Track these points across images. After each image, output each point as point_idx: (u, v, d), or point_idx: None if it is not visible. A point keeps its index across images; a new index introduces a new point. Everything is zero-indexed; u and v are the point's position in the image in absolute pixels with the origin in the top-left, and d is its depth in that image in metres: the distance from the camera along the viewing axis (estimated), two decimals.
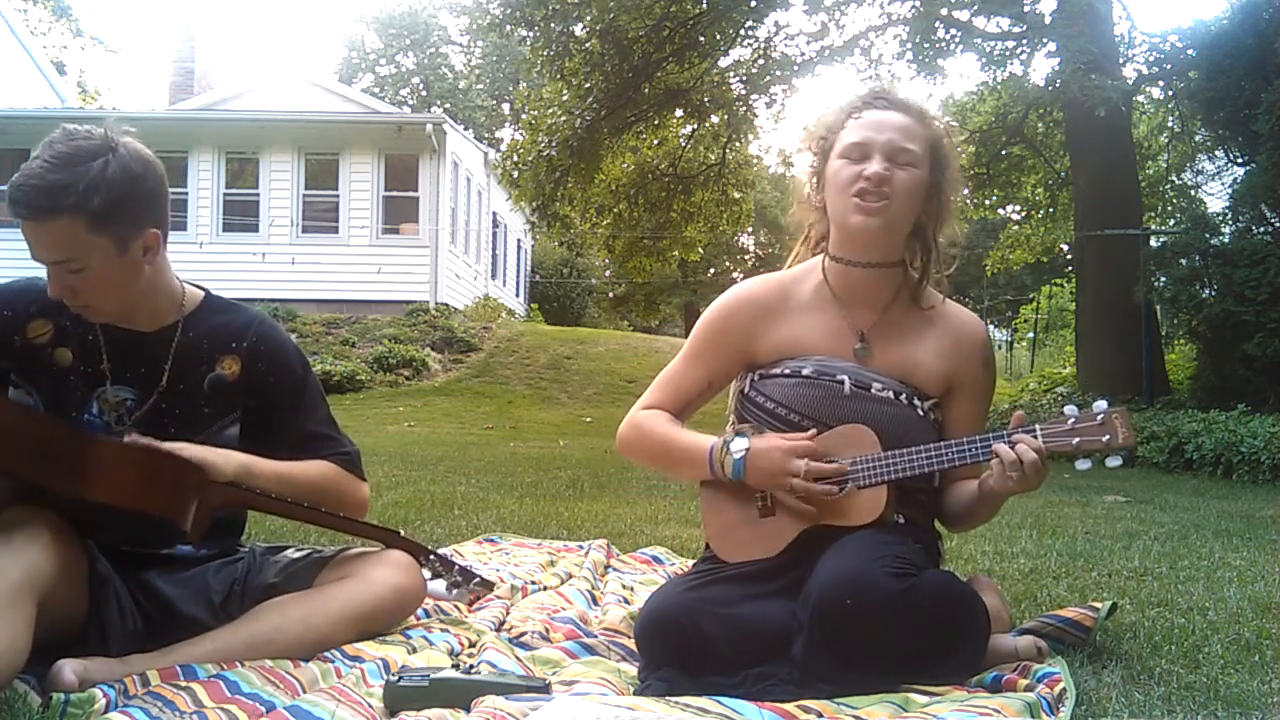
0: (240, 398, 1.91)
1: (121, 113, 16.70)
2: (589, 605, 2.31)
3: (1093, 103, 8.04)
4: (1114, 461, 1.72)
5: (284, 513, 1.93)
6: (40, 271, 1.79)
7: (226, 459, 1.77)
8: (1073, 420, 1.72)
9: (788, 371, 1.86)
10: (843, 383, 1.82)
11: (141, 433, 1.76)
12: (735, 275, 29.60)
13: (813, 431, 1.78)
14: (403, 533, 2.12)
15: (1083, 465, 1.73)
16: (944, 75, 10.66)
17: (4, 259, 13.69)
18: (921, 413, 1.84)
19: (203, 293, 1.95)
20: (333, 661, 1.76)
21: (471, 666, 1.77)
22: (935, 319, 1.91)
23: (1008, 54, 10.55)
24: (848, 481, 1.75)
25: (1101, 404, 1.74)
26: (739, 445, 1.79)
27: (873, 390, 1.82)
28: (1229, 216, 8.20)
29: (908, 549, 1.70)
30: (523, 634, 2.00)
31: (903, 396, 1.83)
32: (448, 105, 32.10)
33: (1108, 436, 1.71)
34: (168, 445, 1.71)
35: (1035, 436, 1.71)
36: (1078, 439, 1.71)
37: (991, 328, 26.65)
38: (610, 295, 30.31)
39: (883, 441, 1.76)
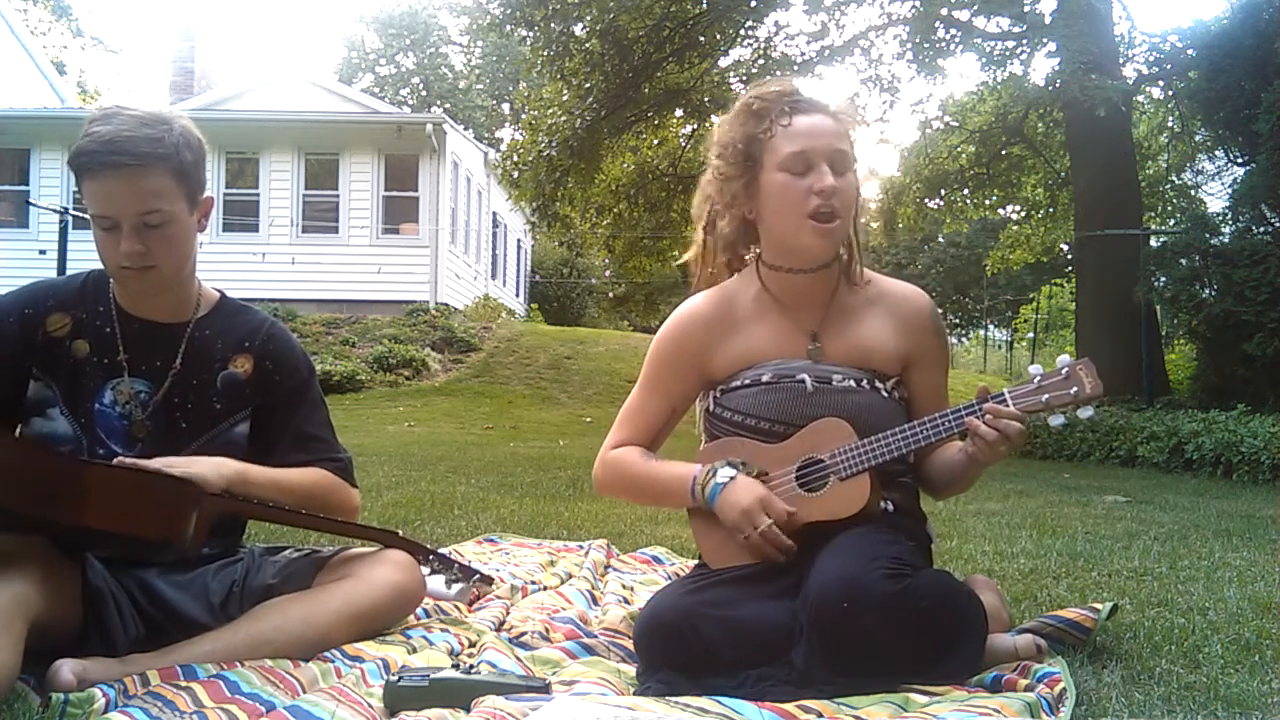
0: (251, 396, 1.95)
1: None
2: (589, 605, 2.31)
3: (1093, 103, 8.05)
4: (1085, 412, 1.74)
5: (280, 520, 1.95)
6: (42, 271, 1.79)
7: (218, 470, 1.78)
8: (1038, 378, 1.74)
9: (748, 381, 1.87)
10: (804, 381, 1.83)
11: (155, 425, 1.79)
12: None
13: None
14: (401, 533, 2.13)
15: (1056, 421, 1.74)
16: (944, 75, 10.69)
17: (4, 259, 13.72)
18: (886, 394, 1.86)
19: (219, 294, 2.01)
20: (333, 661, 1.76)
21: (471, 666, 1.77)
22: (878, 298, 1.92)
23: (1008, 54, 10.57)
24: (830, 475, 1.76)
25: (1064, 358, 1.76)
26: (724, 474, 1.80)
27: (834, 382, 1.83)
28: (1229, 216, 8.21)
29: (902, 549, 1.71)
30: (523, 634, 2.00)
31: (864, 382, 1.84)
32: (448, 105, 32.10)
33: (1075, 388, 1.72)
34: (156, 463, 1.72)
35: (1006, 403, 1.73)
36: (1046, 395, 1.72)
37: (991, 328, 26.67)
38: (610, 295, 30.30)
39: (856, 430, 1.77)
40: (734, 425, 1.87)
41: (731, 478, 1.79)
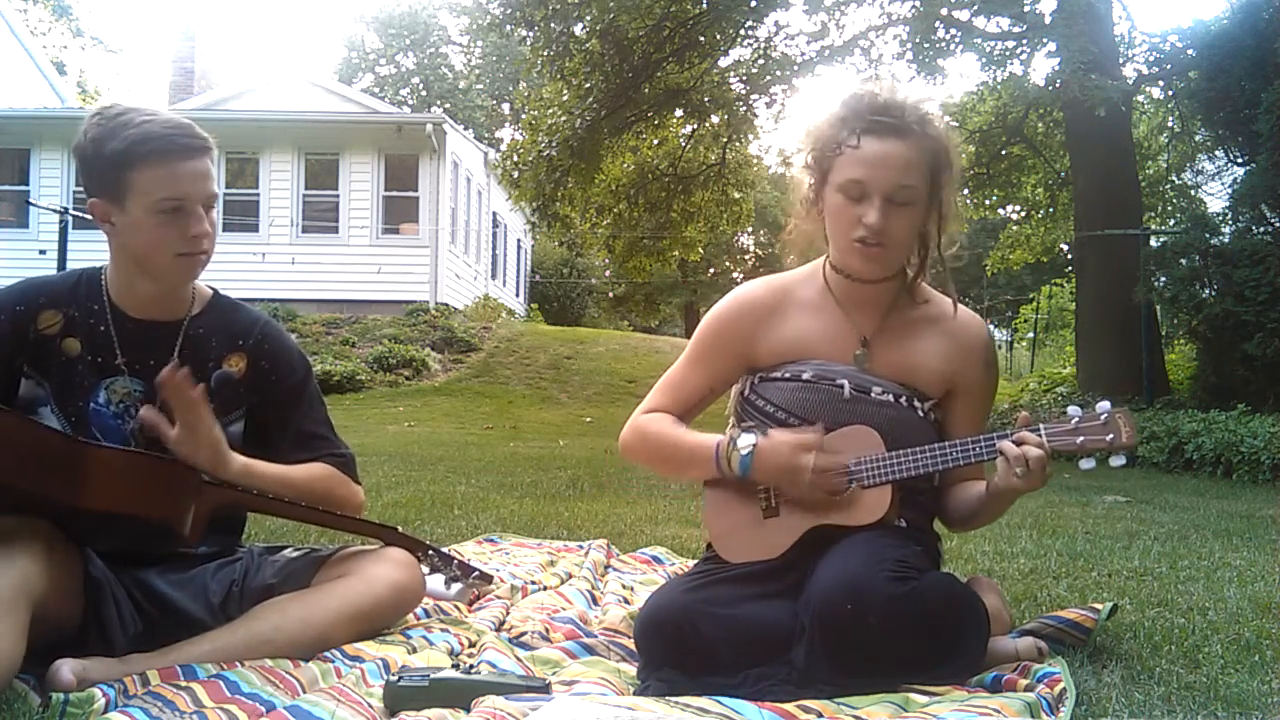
0: (246, 395, 1.94)
1: None
2: (589, 605, 2.31)
3: (1093, 103, 8.04)
4: (1117, 461, 1.73)
5: (281, 513, 1.94)
6: (41, 271, 1.80)
7: (229, 460, 1.79)
8: (1076, 420, 1.73)
9: (788, 375, 1.86)
10: (842, 387, 1.82)
11: (149, 418, 1.78)
12: (735, 275, 29.63)
13: (820, 426, 1.78)
14: (400, 530, 2.13)
15: (1087, 465, 1.74)
16: (944, 75, 10.67)
17: (4, 259, 13.72)
18: (922, 414, 1.84)
19: (211, 291, 2.00)
20: (333, 661, 1.76)
21: (471, 666, 1.77)
22: (937, 319, 1.91)
23: (1008, 54, 10.56)
24: (851, 480, 1.76)
25: (1105, 404, 1.74)
26: (746, 441, 1.78)
27: (872, 394, 1.82)
28: (1229, 216, 8.20)
29: (908, 552, 1.70)
30: (523, 634, 2.00)
31: (903, 399, 1.83)
32: (448, 105, 32.10)
33: (1111, 436, 1.71)
34: (173, 430, 1.72)
35: (1040, 435, 1.72)
36: (1082, 438, 1.72)
37: (991, 327, 26.65)
38: (610, 295, 30.31)
39: (885, 443, 1.76)
40: (765, 415, 1.86)
41: (754, 444, 1.77)
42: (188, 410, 1.72)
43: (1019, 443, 1.70)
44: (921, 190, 1.79)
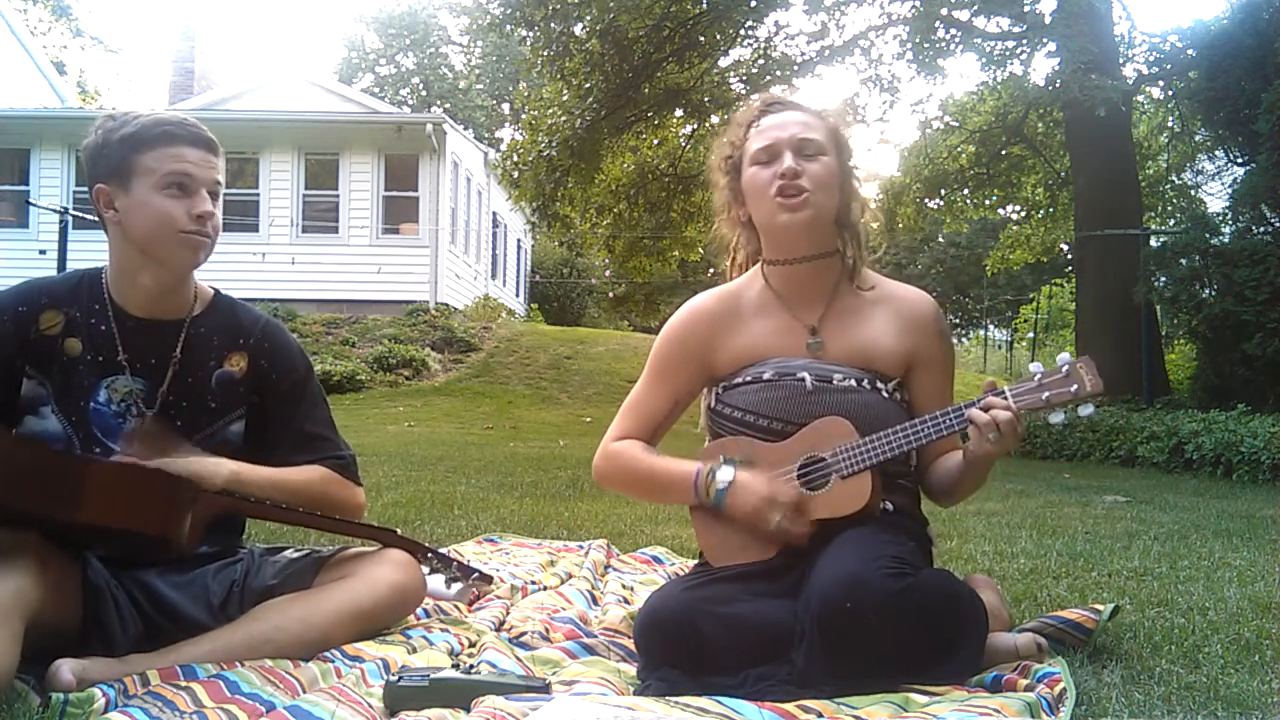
0: (246, 395, 1.95)
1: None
2: (589, 605, 2.31)
3: (1093, 103, 8.04)
4: (1086, 410, 1.74)
5: (278, 518, 1.95)
6: (41, 271, 1.80)
7: (216, 468, 1.79)
8: (1039, 376, 1.74)
9: (749, 378, 1.88)
10: (804, 380, 1.84)
11: (152, 425, 1.79)
12: (735, 275, 29.55)
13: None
14: (400, 532, 2.13)
15: (1056, 419, 1.74)
16: (944, 75, 10.68)
17: (4, 259, 13.72)
18: (886, 395, 1.86)
19: (213, 291, 2.01)
20: (333, 661, 1.76)
21: (471, 666, 1.77)
22: (882, 300, 1.94)
23: (1008, 54, 10.56)
24: (832, 474, 1.76)
25: (1065, 356, 1.76)
26: (724, 476, 1.81)
27: (835, 381, 1.84)
28: (1229, 216, 8.20)
29: (904, 548, 1.71)
30: (523, 634, 2.00)
31: (865, 382, 1.85)
32: (448, 105, 32.10)
33: (1075, 386, 1.72)
34: (156, 461, 1.72)
35: (1005, 398, 1.74)
36: (1046, 393, 1.72)
37: (991, 328, 26.66)
38: (610, 295, 30.29)
39: (856, 429, 1.77)
40: (735, 422, 1.88)
41: (731, 480, 1.79)
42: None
43: (986, 408, 1.72)
44: (829, 148, 1.87)
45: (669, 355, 1.98)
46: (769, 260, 1.94)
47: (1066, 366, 1.74)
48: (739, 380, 1.90)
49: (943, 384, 1.93)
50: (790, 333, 1.90)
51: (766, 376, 1.86)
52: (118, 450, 1.82)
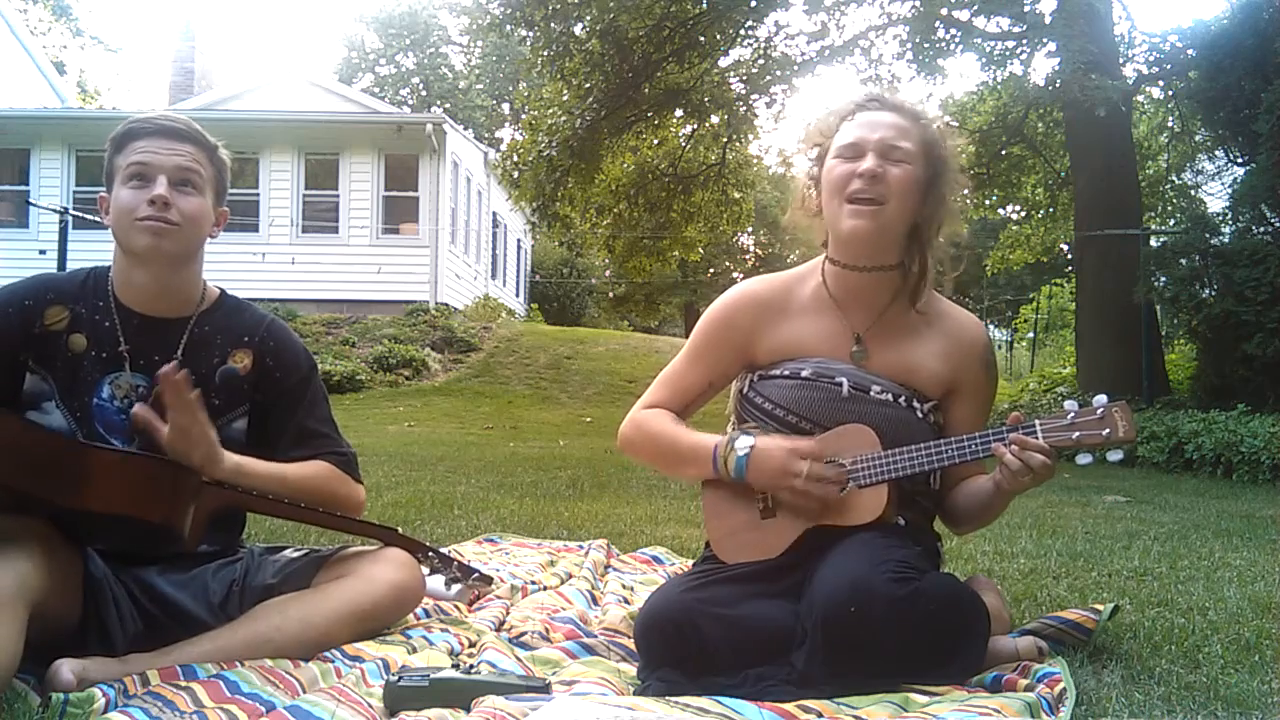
0: (250, 392, 1.95)
1: (121, 113, 16.69)
2: (589, 605, 2.31)
3: (1093, 103, 8.04)
4: (1115, 456, 1.73)
5: (280, 513, 1.95)
6: (41, 271, 1.81)
7: (221, 459, 1.78)
8: (1072, 415, 1.72)
9: (787, 373, 1.86)
10: (841, 385, 1.82)
11: (142, 415, 1.78)
12: (735, 275, 29.59)
13: (818, 434, 1.78)
14: (400, 532, 2.13)
15: (1084, 460, 1.74)
16: (944, 75, 10.68)
17: (4, 259, 13.72)
18: (920, 415, 1.84)
19: (219, 291, 2.02)
20: (333, 661, 1.76)
21: (471, 666, 1.77)
22: (934, 320, 1.91)
23: (1008, 54, 10.56)
24: (849, 481, 1.75)
25: (1101, 399, 1.73)
26: (743, 444, 1.79)
27: (871, 393, 1.82)
28: (1229, 216, 8.20)
29: (909, 553, 1.70)
30: (523, 634, 2.00)
31: (901, 399, 1.83)
32: (448, 105, 32.09)
33: (1108, 430, 1.70)
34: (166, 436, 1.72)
35: (1035, 434, 1.71)
36: (1078, 434, 1.71)
37: (991, 328, 26.65)
38: (610, 295, 30.30)
39: (882, 442, 1.76)
40: (764, 413, 1.86)
41: (751, 446, 1.77)
42: (183, 410, 1.72)
43: (1022, 447, 1.69)
44: (916, 158, 1.81)
45: (712, 335, 1.96)
46: (831, 259, 1.91)
47: (1102, 410, 1.71)
48: (776, 373, 1.88)
49: (979, 412, 1.91)
50: (836, 336, 1.87)
51: (805, 374, 1.84)
52: (119, 447, 1.82)
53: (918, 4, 10.69)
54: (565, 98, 11.64)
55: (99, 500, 1.62)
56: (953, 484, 1.89)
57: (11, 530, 1.60)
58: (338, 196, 16.11)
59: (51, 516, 1.65)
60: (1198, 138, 11.98)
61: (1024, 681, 1.64)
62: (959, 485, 1.89)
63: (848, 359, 1.86)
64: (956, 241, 1.92)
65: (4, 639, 1.48)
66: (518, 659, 1.83)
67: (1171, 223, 12.45)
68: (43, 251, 13.22)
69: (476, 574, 2.21)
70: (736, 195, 14.26)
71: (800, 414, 1.83)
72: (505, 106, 35.22)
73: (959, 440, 1.75)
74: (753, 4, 10.77)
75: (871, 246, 1.83)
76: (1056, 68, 8.92)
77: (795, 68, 11.19)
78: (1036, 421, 1.73)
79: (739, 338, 1.92)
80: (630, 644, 1.88)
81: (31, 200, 13.37)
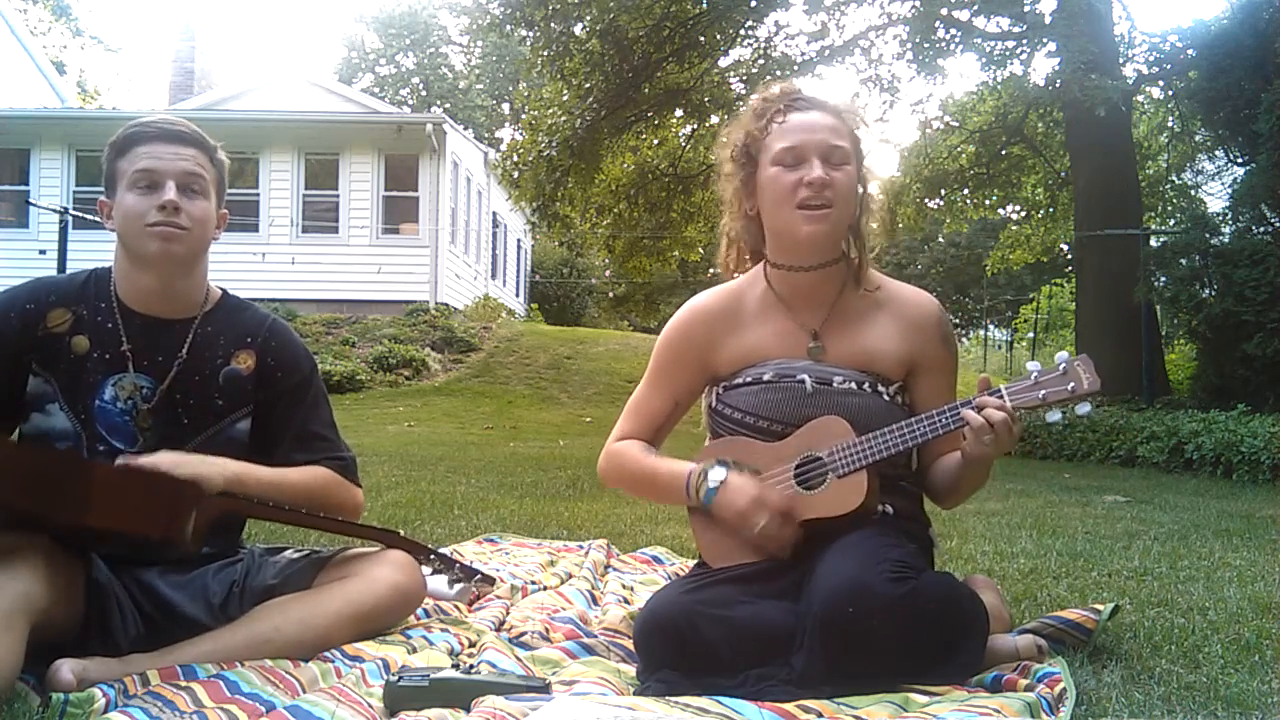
0: (253, 393, 1.96)
1: (121, 113, 16.68)
2: (589, 605, 2.31)
3: (1093, 103, 8.05)
4: (1083, 408, 1.73)
5: (280, 519, 1.95)
6: (41, 271, 1.81)
7: (220, 470, 1.79)
8: (1035, 375, 1.73)
9: (749, 379, 1.88)
10: (804, 382, 1.83)
11: (157, 421, 1.81)
12: (735, 275, 29.55)
13: (790, 440, 1.78)
14: (402, 533, 2.13)
15: (1053, 417, 1.74)
16: (944, 75, 10.68)
17: (4, 259, 13.72)
18: (888, 399, 1.85)
19: (221, 291, 2.03)
20: (333, 661, 1.76)
21: (471, 666, 1.77)
22: (885, 302, 1.92)
23: (1008, 54, 10.56)
24: (828, 473, 1.76)
25: (1063, 355, 1.75)
26: (715, 476, 1.81)
27: (835, 384, 1.84)
28: (1229, 216, 8.20)
29: (905, 551, 1.70)
30: (523, 634, 2.01)
31: (865, 385, 1.85)
32: (448, 105, 32.08)
33: (1072, 384, 1.71)
34: (157, 459, 1.73)
35: (1001, 397, 1.73)
36: (1043, 391, 1.72)
37: (991, 328, 26.64)
38: (610, 295, 30.28)
39: (854, 430, 1.77)
40: (735, 423, 1.88)
41: (722, 480, 1.79)
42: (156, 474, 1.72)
43: (980, 407, 1.70)
44: (851, 156, 1.83)
45: (668, 357, 1.98)
46: (774, 263, 1.92)
47: (1064, 365, 1.73)
48: (739, 381, 1.89)
49: (945, 387, 1.92)
50: (791, 336, 1.89)
51: (766, 378, 1.86)
52: (122, 448, 1.83)
53: (918, 4, 10.69)
54: (565, 98, 11.65)
55: (99, 517, 1.64)
56: (930, 460, 1.90)
57: (13, 545, 1.61)
58: (338, 196, 16.11)
59: (53, 532, 1.66)
60: (1198, 138, 11.98)
61: (1024, 681, 1.64)
62: (936, 461, 1.89)
63: (806, 356, 1.87)
64: (881, 229, 1.93)
65: (5, 652, 1.48)
66: (518, 659, 1.83)
67: (1171, 223, 12.46)
68: (43, 251, 13.22)
69: (479, 575, 2.21)
70: None
71: (769, 417, 1.84)
72: (505, 106, 35.22)
73: (929, 416, 1.76)
74: (753, 4, 10.77)
75: (823, 247, 1.86)
76: (1056, 68, 8.92)
77: (795, 68, 11.19)
78: (1002, 387, 1.75)
79: (696, 354, 1.94)
80: (630, 644, 1.88)
81: (31, 200, 13.37)
